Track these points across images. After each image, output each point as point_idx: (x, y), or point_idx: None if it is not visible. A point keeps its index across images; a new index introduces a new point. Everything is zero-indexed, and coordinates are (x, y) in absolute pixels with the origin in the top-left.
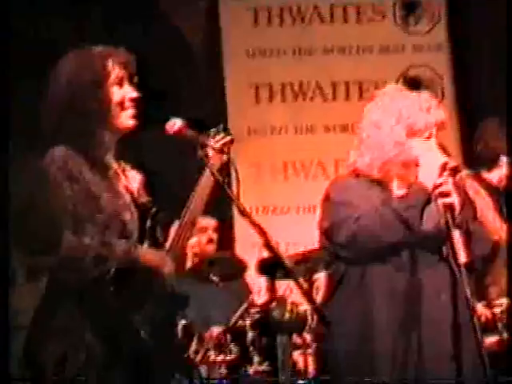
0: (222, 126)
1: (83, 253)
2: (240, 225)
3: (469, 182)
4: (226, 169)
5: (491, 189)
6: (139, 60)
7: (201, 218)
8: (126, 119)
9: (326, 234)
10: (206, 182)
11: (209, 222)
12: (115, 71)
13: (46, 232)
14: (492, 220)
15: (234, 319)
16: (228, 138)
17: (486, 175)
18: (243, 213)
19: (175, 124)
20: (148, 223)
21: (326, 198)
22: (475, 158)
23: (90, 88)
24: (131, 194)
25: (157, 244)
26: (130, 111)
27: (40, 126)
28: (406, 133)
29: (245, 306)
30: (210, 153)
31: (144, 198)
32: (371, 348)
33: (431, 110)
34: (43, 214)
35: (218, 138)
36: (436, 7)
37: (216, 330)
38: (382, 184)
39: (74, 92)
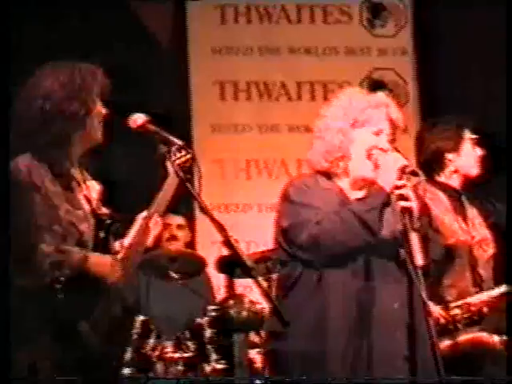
0: (181, 143)
1: (40, 259)
2: (201, 222)
3: (425, 186)
4: (187, 166)
5: (449, 191)
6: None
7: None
8: (96, 135)
9: (285, 234)
10: (170, 181)
11: (174, 219)
12: (93, 88)
13: None
14: (449, 223)
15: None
16: (188, 155)
17: (439, 178)
18: (204, 210)
19: (138, 119)
20: (102, 233)
21: (285, 197)
22: (424, 162)
23: (67, 101)
24: (90, 203)
25: (110, 254)
26: (100, 128)
27: (16, 127)
28: (351, 123)
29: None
30: (173, 151)
31: (101, 210)
32: (323, 350)
33: (382, 107)
34: None
35: (179, 155)
36: (402, 11)
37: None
38: (331, 177)
39: (52, 103)
